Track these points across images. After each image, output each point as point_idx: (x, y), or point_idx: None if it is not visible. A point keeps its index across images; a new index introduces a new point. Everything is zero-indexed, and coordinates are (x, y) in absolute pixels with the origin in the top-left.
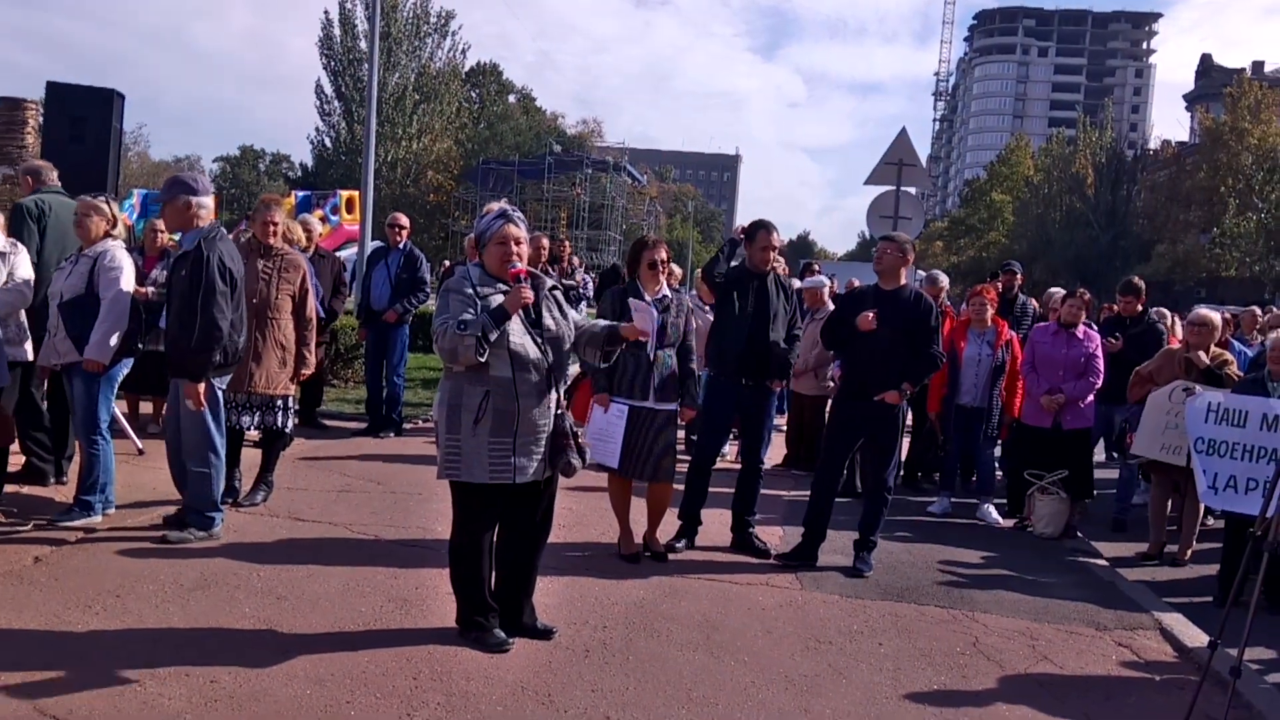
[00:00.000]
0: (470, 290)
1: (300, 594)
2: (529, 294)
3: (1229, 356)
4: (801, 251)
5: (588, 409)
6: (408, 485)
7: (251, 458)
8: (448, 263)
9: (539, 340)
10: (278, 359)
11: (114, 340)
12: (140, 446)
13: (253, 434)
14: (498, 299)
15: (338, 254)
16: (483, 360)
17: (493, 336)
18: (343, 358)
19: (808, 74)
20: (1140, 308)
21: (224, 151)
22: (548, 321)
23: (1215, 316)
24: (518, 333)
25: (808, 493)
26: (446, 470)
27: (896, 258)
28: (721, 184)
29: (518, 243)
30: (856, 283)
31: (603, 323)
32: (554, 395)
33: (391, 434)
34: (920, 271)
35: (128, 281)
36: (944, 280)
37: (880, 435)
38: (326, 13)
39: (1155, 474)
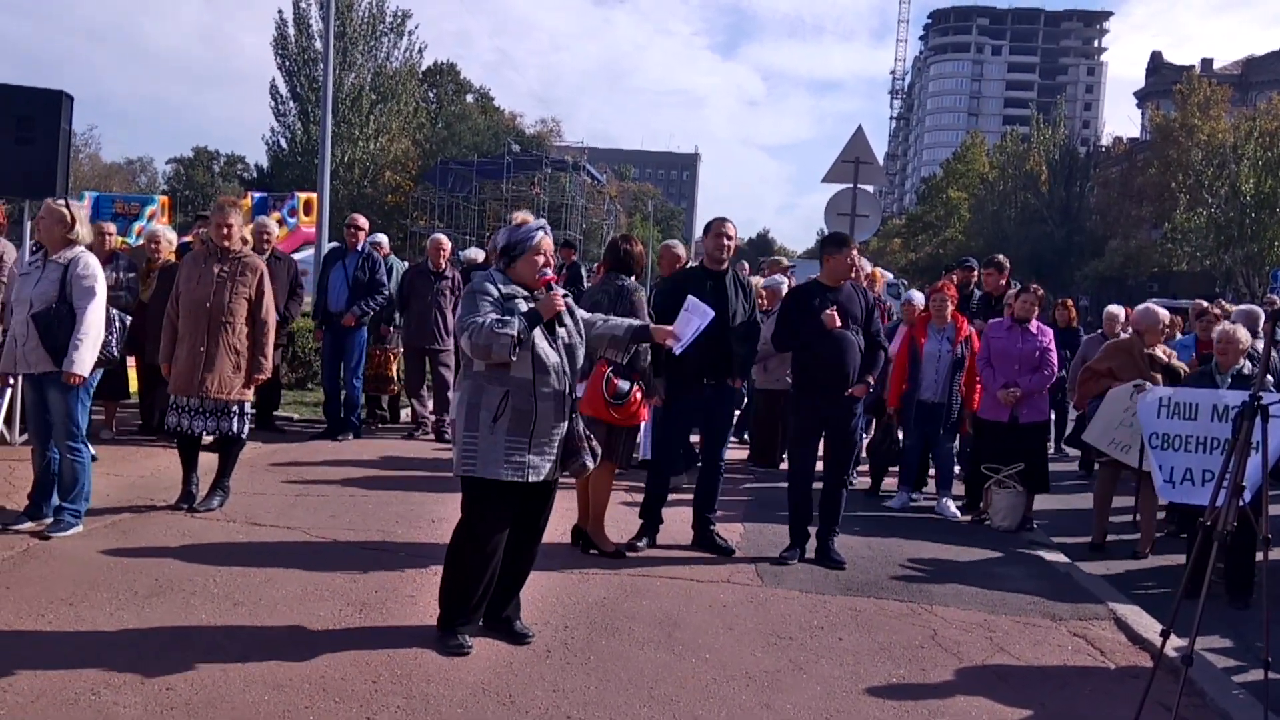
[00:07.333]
0: (497, 293)
1: (257, 599)
2: (560, 301)
3: (1171, 351)
4: (761, 249)
5: (642, 411)
6: (366, 488)
7: (208, 463)
8: (406, 264)
9: (557, 346)
10: (232, 364)
11: (94, 352)
12: (93, 452)
13: (208, 439)
14: (522, 305)
15: (294, 256)
16: (513, 359)
17: (525, 338)
18: (300, 360)
19: (766, 72)
20: (1004, 282)
21: (177, 153)
22: (564, 329)
23: (1164, 313)
24: (540, 338)
25: (768, 488)
26: (463, 466)
27: (856, 264)
28: (681, 182)
29: (549, 254)
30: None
31: (625, 323)
32: (569, 399)
33: (350, 437)
34: None
35: (103, 289)
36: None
37: (842, 430)
38: (280, 12)
39: (1102, 466)
